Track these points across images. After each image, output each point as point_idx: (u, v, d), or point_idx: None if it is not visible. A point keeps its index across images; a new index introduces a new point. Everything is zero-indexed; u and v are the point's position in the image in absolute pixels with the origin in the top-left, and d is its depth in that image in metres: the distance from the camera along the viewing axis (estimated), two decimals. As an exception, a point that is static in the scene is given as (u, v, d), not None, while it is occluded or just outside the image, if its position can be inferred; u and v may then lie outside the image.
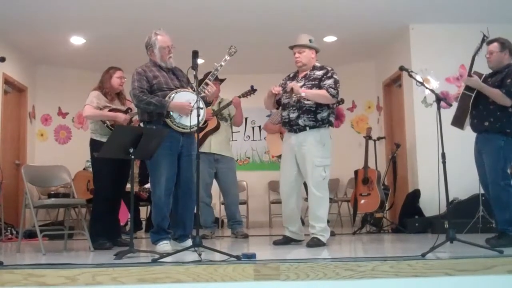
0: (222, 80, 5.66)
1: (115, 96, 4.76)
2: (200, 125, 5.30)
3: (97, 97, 4.63)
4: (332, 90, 4.18)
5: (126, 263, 3.01)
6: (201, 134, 5.41)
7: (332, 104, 4.32)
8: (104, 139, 4.35)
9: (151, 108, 3.88)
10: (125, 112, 4.67)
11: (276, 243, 4.37)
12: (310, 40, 4.39)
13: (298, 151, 4.25)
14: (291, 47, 4.41)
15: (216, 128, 5.52)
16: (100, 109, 4.58)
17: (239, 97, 5.52)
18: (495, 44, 4.01)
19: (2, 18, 6.01)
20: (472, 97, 4.00)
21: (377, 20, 6.42)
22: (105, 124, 4.55)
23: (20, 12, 5.88)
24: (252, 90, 5.54)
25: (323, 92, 4.18)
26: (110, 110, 4.60)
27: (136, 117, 4.65)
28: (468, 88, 4.05)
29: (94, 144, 4.56)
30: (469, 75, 4.02)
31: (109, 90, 4.69)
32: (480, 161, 4.04)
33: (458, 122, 4.14)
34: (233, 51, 4.22)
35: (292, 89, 4.19)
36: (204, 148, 5.43)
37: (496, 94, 3.88)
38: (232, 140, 6.16)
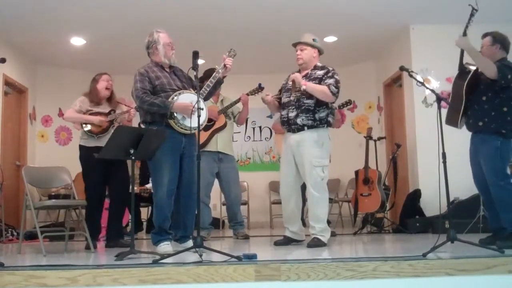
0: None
1: (104, 101, 4.80)
2: (207, 123, 5.38)
3: (82, 101, 4.75)
4: (333, 87, 4.18)
5: (127, 264, 3.02)
6: (208, 132, 5.40)
7: (331, 103, 4.32)
8: (87, 144, 4.62)
9: (154, 109, 3.88)
10: (107, 114, 4.72)
11: (277, 243, 4.37)
12: (314, 40, 4.39)
13: (297, 151, 4.25)
14: (294, 45, 4.41)
15: (224, 126, 5.45)
16: (83, 112, 4.68)
17: (247, 94, 5.43)
18: (487, 38, 3.97)
19: (2, 18, 6.01)
20: (464, 85, 3.92)
21: (377, 20, 6.42)
22: (83, 129, 4.66)
23: (20, 13, 5.88)
24: (260, 88, 5.46)
25: (324, 88, 4.18)
26: (91, 114, 4.69)
27: (119, 119, 4.74)
28: (459, 76, 4.00)
29: (80, 149, 4.72)
30: (461, 61, 3.95)
31: (96, 95, 4.76)
32: (476, 159, 3.99)
33: (452, 117, 4.07)
34: (233, 54, 4.23)
35: (293, 81, 4.20)
36: (210, 147, 5.41)
37: (487, 62, 3.77)
38: (233, 141, 6.11)
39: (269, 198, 8.26)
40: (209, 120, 5.43)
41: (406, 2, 5.91)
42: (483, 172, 3.92)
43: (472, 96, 3.96)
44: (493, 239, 3.84)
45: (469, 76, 3.95)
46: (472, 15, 3.83)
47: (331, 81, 4.22)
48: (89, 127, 4.63)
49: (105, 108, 4.76)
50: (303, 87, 4.15)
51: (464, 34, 3.86)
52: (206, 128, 5.41)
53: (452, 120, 4.09)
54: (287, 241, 4.35)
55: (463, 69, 4.03)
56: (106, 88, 4.77)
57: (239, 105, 5.55)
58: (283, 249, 4.06)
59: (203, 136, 5.38)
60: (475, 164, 4.01)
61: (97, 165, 4.46)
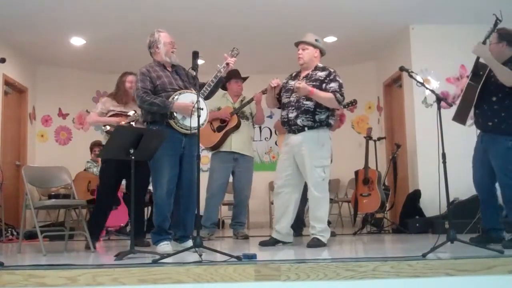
0: (244, 79, 5.64)
1: (130, 101, 4.78)
2: (220, 124, 5.38)
3: (104, 103, 4.77)
4: (339, 95, 4.17)
5: (126, 263, 3.01)
6: (222, 133, 5.42)
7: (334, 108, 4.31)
8: None
9: (154, 108, 3.89)
10: (127, 116, 4.71)
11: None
12: (316, 40, 4.38)
13: (298, 152, 4.24)
14: (296, 44, 4.41)
15: (237, 126, 5.44)
16: (105, 113, 4.69)
17: (261, 93, 5.38)
18: (494, 35, 3.92)
19: (2, 18, 6.02)
20: (478, 88, 3.90)
21: (377, 20, 6.42)
22: (105, 130, 4.67)
23: (20, 13, 5.89)
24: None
25: (330, 96, 4.15)
26: (113, 115, 4.69)
27: (140, 119, 4.70)
28: (473, 78, 3.98)
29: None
30: (475, 65, 3.94)
31: (125, 95, 4.75)
32: (483, 157, 3.94)
33: (460, 115, 4.04)
34: (236, 53, 4.22)
35: (299, 88, 4.17)
36: (225, 147, 5.42)
37: (505, 70, 3.72)
38: (256, 140, 6.04)
39: (269, 198, 8.25)
40: (223, 121, 5.44)
41: (406, 2, 5.91)
42: (485, 171, 3.90)
43: (482, 96, 3.91)
44: (484, 239, 3.86)
45: (483, 78, 3.92)
46: (495, 25, 3.83)
47: (334, 85, 4.20)
48: (108, 128, 4.65)
49: (129, 109, 4.74)
50: (310, 95, 4.13)
51: (484, 42, 3.85)
52: (220, 129, 5.43)
53: (460, 118, 4.06)
54: (273, 242, 4.33)
55: (476, 72, 3.99)
56: (130, 88, 4.77)
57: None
58: (283, 249, 4.07)
59: (217, 137, 5.40)
60: (480, 162, 3.98)
61: (115, 165, 4.46)
